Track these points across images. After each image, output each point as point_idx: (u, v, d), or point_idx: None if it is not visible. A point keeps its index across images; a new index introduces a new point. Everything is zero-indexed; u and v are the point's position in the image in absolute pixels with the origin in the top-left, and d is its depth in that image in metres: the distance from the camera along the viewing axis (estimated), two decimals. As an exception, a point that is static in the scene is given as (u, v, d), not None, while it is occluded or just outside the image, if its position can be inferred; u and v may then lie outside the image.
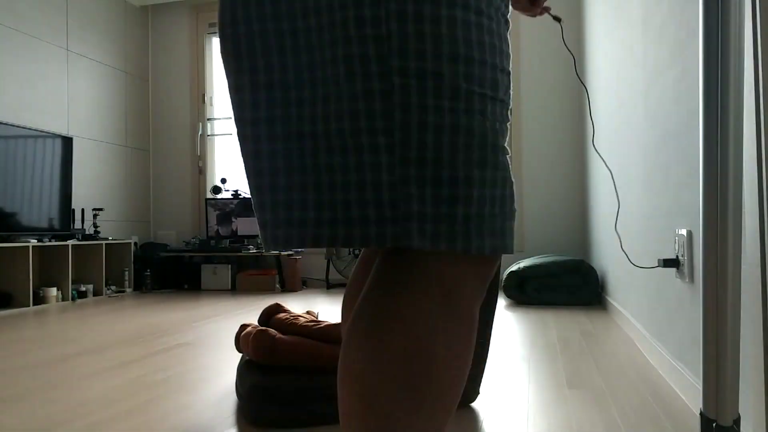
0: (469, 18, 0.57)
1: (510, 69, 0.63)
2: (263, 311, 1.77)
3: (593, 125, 1.80)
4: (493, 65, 0.59)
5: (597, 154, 3.61)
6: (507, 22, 0.64)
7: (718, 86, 0.88)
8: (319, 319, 1.80)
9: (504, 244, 0.60)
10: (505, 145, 0.62)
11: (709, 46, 0.88)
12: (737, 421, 0.87)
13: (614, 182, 2.27)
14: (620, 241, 2.43)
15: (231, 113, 5.28)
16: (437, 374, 0.55)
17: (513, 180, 0.62)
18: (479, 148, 0.57)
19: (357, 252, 4.74)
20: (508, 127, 0.63)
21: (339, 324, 1.58)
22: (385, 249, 0.62)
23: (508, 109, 0.63)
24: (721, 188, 0.90)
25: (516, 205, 0.68)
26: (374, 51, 0.55)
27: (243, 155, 0.64)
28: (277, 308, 1.76)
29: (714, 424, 0.88)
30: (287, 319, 1.66)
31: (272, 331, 1.56)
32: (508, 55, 0.62)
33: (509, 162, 0.62)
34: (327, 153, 0.57)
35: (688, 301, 1.60)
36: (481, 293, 0.60)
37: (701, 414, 0.91)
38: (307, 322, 1.63)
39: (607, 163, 3.10)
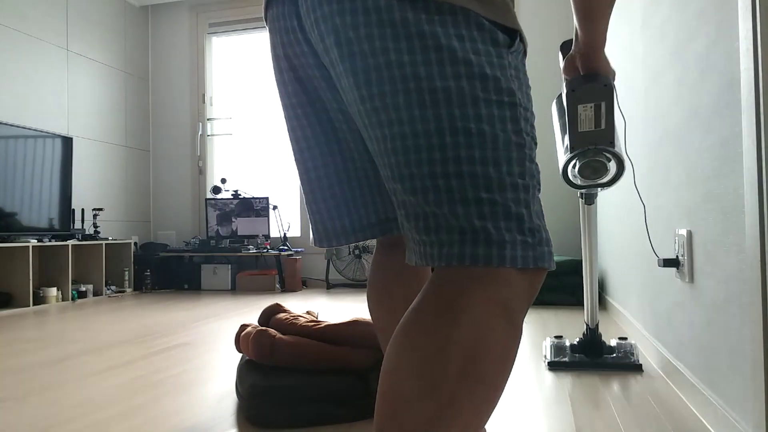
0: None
1: None
2: (263, 311, 1.77)
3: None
4: None
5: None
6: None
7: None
8: (319, 319, 1.80)
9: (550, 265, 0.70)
10: None
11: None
12: (597, 325, 1.92)
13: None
14: (633, 170, 2.46)
15: (228, 114, 5.25)
16: (494, 371, 0.63)
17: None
18: None
19: (357, 252, 4.74)
20: None
21: (339, 324, 1.59)
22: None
23: None
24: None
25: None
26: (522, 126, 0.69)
27: None
28: (277, 308, 1.76)
29: (587, 326, 1.93)
30: (287, 319, 1.66)
31: (272, 331, 1.56)
32: None
33: None
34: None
35: (688, 301, 1.60)
36: (527, 307, 0.69)
37: (585, 322, 1.94)
38: (307, 322, 1.64)
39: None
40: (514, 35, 0.71)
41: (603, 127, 1.14)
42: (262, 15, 0.88)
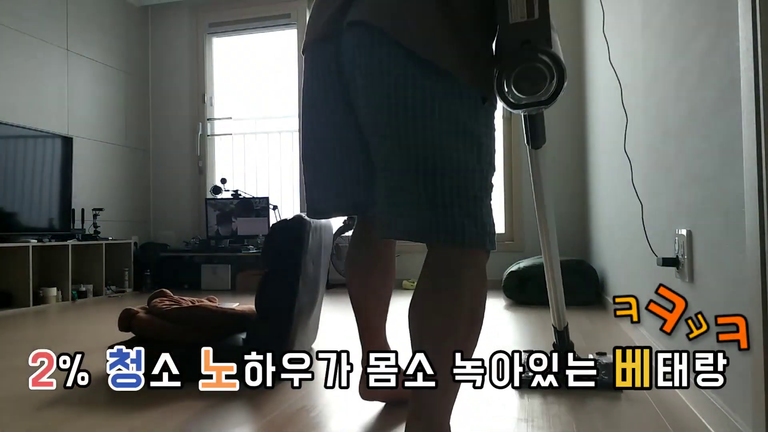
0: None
1: None
2: (150, 296, 2.14)
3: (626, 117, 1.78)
4: None
5: (594, 157, 3.61)
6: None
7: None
8: (212, 304, 2.09)
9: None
10: None
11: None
12: (566, 327, 1.71)
13: (622, 97, 2.23)
14: (631, 168, 2.12)
15: (228, 114, 5.24)
16: (482, 313, 1.07)
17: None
18: None
19: (357, 252, 4.73)
20: None
21: (184, 307, 1.95)
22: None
23: None
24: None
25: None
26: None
27: None
28: (160, 294, 2.15)
29: (555, 329, 1.73)
30: (162, 302, 2.05)
31: (135, 309, 1.99)
32: None
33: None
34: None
35: (688, 300, 1.60)
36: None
37: (553, 325, 1.73)
38: (178, 306, 1.99)
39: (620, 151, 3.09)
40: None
41: (536, 16, 0.95)
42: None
